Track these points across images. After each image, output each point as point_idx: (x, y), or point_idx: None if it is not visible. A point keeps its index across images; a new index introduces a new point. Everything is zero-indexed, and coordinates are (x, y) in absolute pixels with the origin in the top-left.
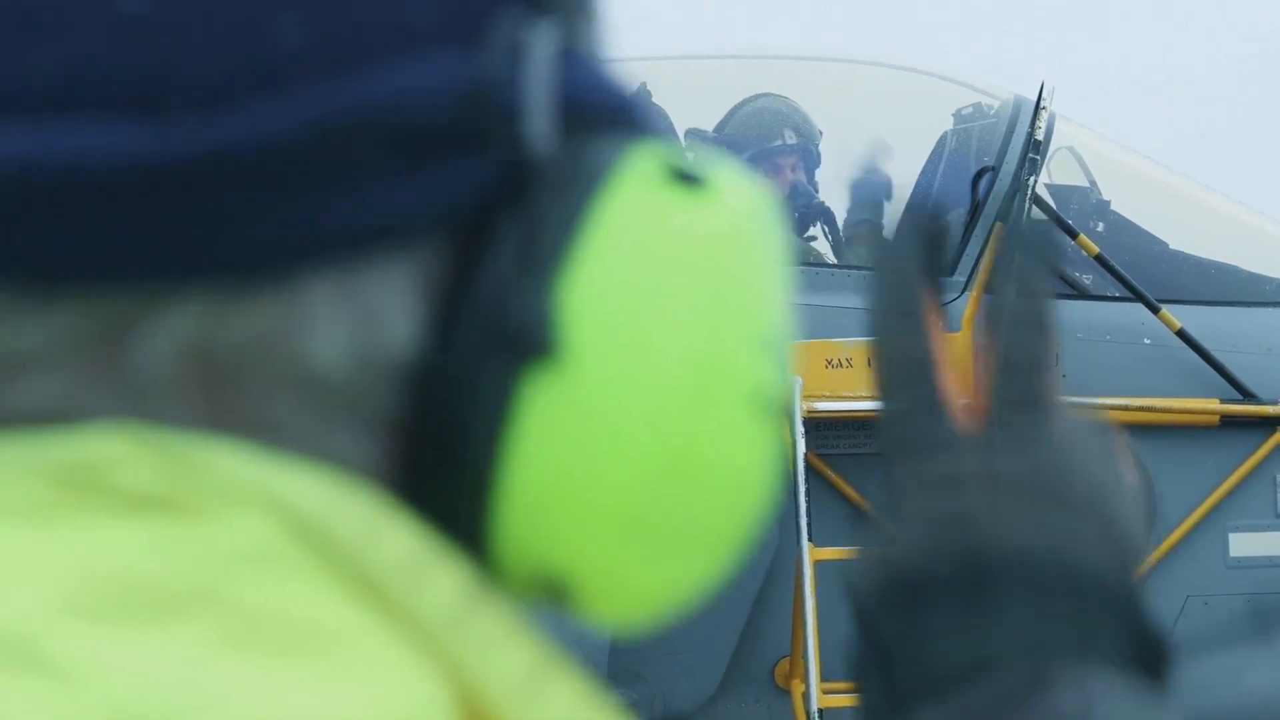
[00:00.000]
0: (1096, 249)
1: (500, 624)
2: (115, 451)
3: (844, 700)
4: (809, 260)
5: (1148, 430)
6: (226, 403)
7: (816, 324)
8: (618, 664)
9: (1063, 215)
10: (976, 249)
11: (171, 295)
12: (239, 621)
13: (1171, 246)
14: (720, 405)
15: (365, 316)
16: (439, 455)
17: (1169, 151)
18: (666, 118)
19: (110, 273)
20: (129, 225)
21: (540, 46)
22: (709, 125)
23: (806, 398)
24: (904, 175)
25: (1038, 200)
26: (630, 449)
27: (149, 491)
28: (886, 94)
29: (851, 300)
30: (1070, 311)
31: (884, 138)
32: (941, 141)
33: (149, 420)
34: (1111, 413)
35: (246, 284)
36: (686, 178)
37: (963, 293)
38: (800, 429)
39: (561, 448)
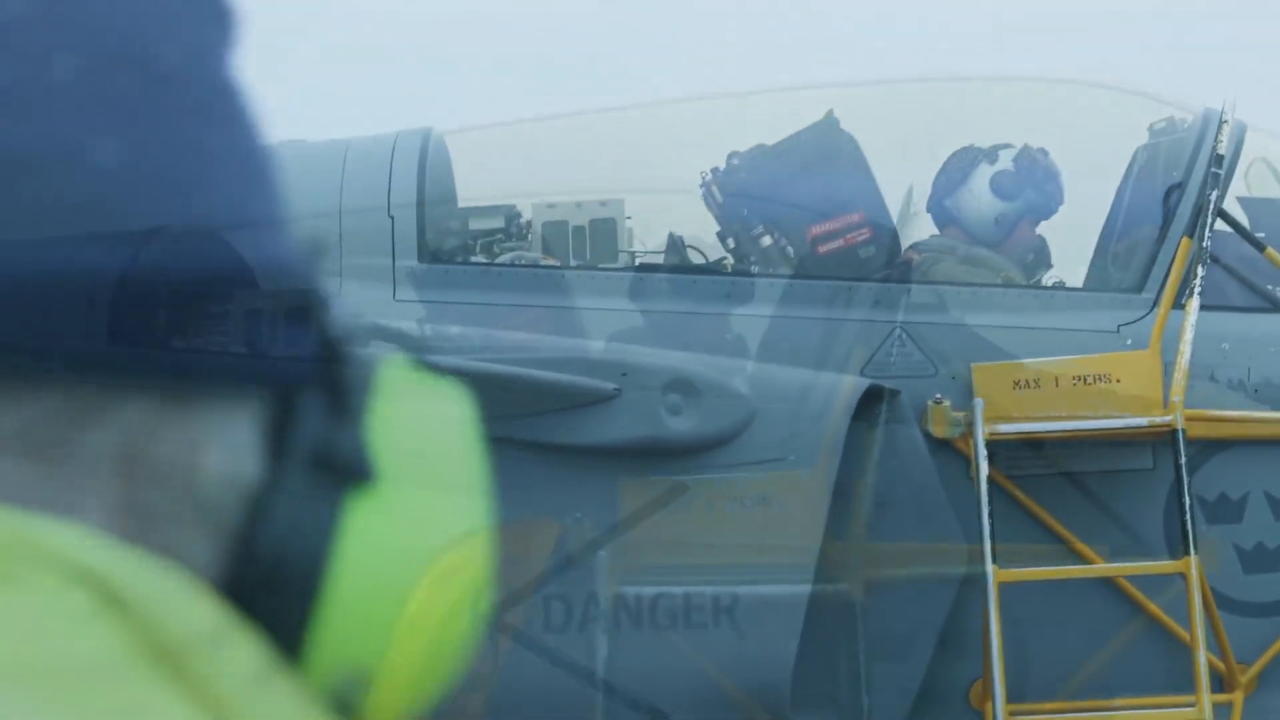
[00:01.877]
0: None
1: (292, 701)
2: None
3: None
4: (999, 281)
5: None
6: (130, 495)
7: (1006, 344)
8: (807, 688)
9: (1255, 229)
10: (1164, 266)
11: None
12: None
13: None
14: (470, 520)
15: (235, 448)
16: (270, 563)
17: None
18: (857, 145)
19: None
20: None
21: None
22: (909, 152)
23: (991, 419)
24: (1100, 194)
25: (1224, 215)
26: (421, 562)
27: None
28: (1079, 111)
29: (1040, 320)
30: (1261, 325)
31: (1079, 155)
32: (1134, 158)
33: (65, 503)
34: None
35: (177, 402)
36: (419, 371)
37: (1151, 309)
38: (983, 451)
39: (374, 562)
